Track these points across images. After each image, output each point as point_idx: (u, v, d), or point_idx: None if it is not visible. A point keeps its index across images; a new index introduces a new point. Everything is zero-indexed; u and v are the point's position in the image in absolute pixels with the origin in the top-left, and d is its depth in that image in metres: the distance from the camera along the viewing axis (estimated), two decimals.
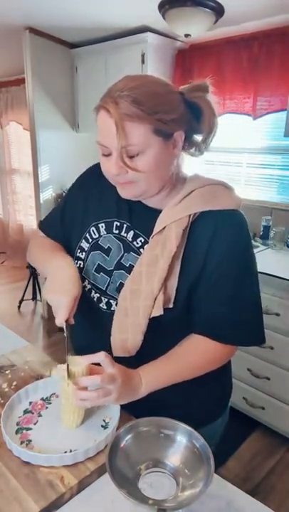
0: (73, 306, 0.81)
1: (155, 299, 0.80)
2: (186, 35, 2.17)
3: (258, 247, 2.45)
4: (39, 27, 2.72)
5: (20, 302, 3.66)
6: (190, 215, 0.81)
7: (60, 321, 0.79)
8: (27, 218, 4.75)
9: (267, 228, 2.47)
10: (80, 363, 0.77)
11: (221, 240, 0.81)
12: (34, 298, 3.70)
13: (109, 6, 2.24)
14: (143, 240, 0.86)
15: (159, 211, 0.85)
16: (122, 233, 0.88)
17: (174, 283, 0.81)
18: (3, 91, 4.38)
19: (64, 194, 1.00)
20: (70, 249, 0.96)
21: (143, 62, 2.52)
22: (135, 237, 0.87)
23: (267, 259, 2.24)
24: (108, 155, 0.77)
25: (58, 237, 1.01)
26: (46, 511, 0.66)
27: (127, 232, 0.88)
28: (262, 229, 2.49)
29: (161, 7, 2.10)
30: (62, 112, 3.08)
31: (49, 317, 3.42)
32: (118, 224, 0.89)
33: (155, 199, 0.86)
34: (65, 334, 0.80)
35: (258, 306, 0.85)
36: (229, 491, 0.74)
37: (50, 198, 3.21)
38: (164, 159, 0.79)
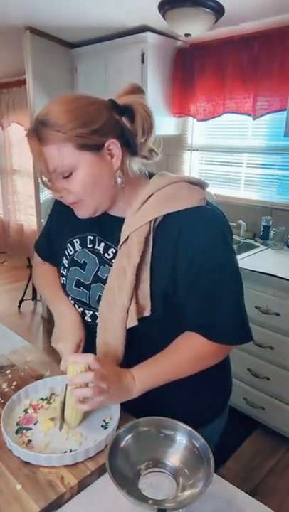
0: (76, 352, 0.85)
1: (128, 310, 0.80)
2: (186, 35, 2.17)
3: (258, 247, 2.45)
4: (39, 27, 2.72)
5: (21, 302, 3.66)
6: (150, 222, 0.79)
7: (63, 367, 0.81)
8: (27, 218, 4.75)
9: (267, 228, 2.46)
10: (78, 363, 0.77)
11: (186, 239, 0.78)
12: (34, 298, 3.70)
13: (109, 5, 2.23)
14: (114, 251, 0.86)
15: (123, 219, 0.84)
16: (96, 246, 0.89)
17: (145, 292, 0.80)
18: (4, 92, 4.37)
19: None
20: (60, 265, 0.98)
21: (143, 61, 2.52)
22: (106, 249, 0.87)
23: (267, 259, 2.23)
24: (49, 180, 0.79)
25: (50, 257, 1.05)
26: (46, 511, 0.66)
27: (99, 245, 0.89)
28: (262, 229, 2.49)
29: (161, 7, 2.09)
30: None
31: (49, 317, 3.42)
32: (91, 238, 0.90)
33: (117, 209, 0.86)
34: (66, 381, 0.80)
35: (239, 303, 0.82)
36: (229, 491, 0.74)
37: (50, 198, 3.21)
38: (102, 171, 0.78)
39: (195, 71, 2.62)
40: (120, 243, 0.82)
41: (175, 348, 0.84)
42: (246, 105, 2.44)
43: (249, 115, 2.44)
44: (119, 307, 0.81)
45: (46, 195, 3.19)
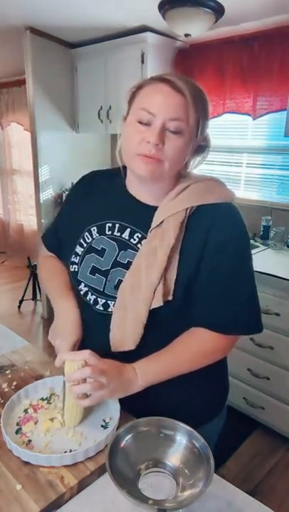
0: (72, 350, 0.85)
1: (155, 291, 0.82)
2: (186, 35, 2.17)
3: (258, 247, 2.45)
4: (39, 27, 2.72)
5: (21, 302, 3.66)
6: (187, 209, 0.84)
7: (58, 363, 0.81)
8: (27, 218, 4.75)
9: (267, 228, 2.47)
10: (75, 360, 0.77)
11: (219, 230, 0.83)
12: (34, 298, 3.70)
13: (109, 5, 2.24)
14: (140, 236, 0.87)
15: (153, 207, 0.87)
16: (115, 233, 0.90)
17: (172, 275, 0.83)
18: (3, 92, 4.38)
19: (64, 195, 1.05)
20: (66, 257, 0.98)
21: (143, 61, 2.52)
22: (132, 234, 0.88)
23: (267, 259, 2.24)
24: (148, 124, 0.80)
25: (55, 248, 1.07)
26: (46, 511, 0.66)
27: (121, 231, 0.90)
28: (262, 229, 2.49)
29: (161, 7, 2.10)
30: (62, 112, 3.08)
31: (49, 317, 3.42)
32: (110, 225, 0.91)
33: (151, 196, 0.89)
34: (64, 377, 0.80)
35: (255, 295, 0.87)
36: (229, 491, 0.75)
37: (50, 198, 3.21)
38: (186, 151, 0.83)
39: (195, 71, 2.62)
40: (152, 226, 0.85)
41: (181, 343, 0.85)
42: (246, 105, 2.44)
43: (249, 115, 2.44)
44: (146, 286, 0.82)
45: (46, 195, 3.19)
